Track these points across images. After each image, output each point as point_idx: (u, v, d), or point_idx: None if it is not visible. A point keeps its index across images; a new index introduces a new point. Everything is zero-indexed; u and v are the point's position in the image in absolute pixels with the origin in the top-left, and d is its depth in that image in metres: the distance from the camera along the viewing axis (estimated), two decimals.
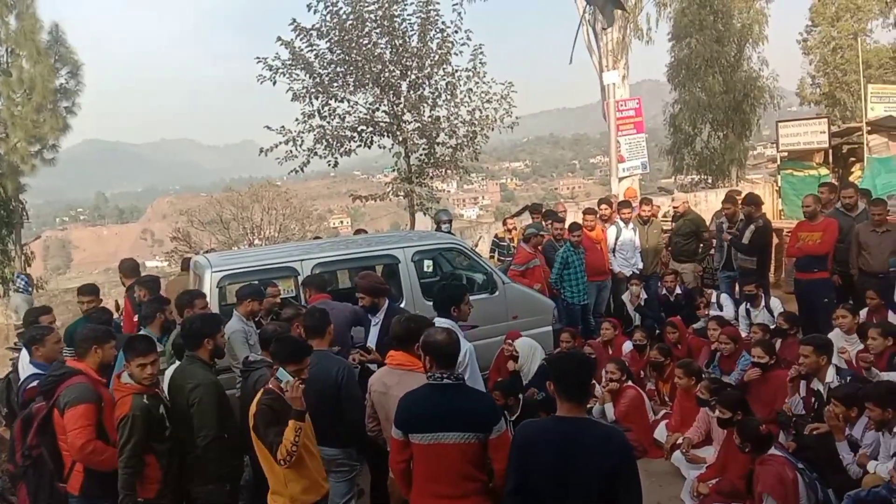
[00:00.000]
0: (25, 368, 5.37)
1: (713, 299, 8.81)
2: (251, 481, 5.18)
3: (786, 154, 15.46)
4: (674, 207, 10.44)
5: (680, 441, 6.04)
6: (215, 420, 4.39)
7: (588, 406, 7.06)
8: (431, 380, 3.63)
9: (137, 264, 7.57)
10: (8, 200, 19.00)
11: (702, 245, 10.08)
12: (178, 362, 4.97)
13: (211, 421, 4.36)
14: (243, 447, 4.60)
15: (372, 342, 5.60)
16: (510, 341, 7.20)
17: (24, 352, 5.49)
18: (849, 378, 5.56)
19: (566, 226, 9.59)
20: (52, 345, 5.30)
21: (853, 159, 15.87)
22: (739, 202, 9.13)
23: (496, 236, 11.66)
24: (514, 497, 3.20)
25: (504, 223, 11.56)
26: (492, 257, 10.80)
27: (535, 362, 7.01)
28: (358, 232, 11.19)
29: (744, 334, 7.54)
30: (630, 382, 6.79)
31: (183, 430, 4.47)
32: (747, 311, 8.10)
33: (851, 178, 15.31)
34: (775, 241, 9.94)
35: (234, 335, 5.72)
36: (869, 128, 14.70)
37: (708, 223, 10.45)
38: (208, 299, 6.29)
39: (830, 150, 14.86)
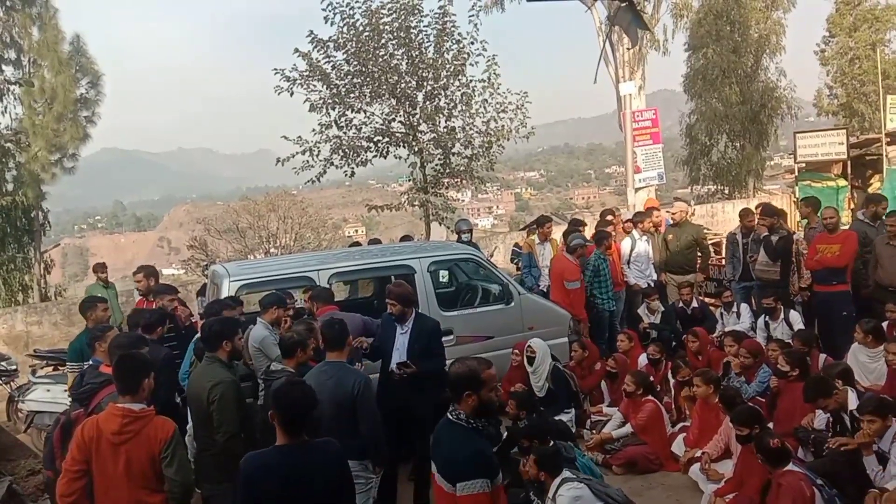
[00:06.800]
0: None
1: (734, 308, 8.75)
2: None
3: (803, 165, 15.33)
4: (671, 216, 10.38)
5: (698, 455, 6.01)
6: (235, 416, 4.50)
7: (606, 419, 7.04)
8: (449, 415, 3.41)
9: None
10: (29, 209, 19.26)
11: (700, 255, 10.02)
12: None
13: (231, 417, 4.48)
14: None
15: (400, 350, 5.62)
16: (517, 352, 7.21)
17: None
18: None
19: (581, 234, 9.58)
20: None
21: (872, 171, 15.73)
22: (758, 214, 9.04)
23: (516, 245, 11.68)
24: None
25: (529, 233, 11.52)
26: (517, 267, 10.80)
27: (547, 364, 7.02)
28: (373, 242, 11.22)
29: None
30: (649, 396, 6.75)
31: (203, 428, 4.58)
32: (766, 324, 8.04)
33: (870, 190, 15.17)
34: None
35: (265, 340, 5.81)
36: (888, 139, 14.57)
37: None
38: None
39: (849, 162, 14.74)
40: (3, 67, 19.35)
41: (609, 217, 10.39)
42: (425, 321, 5.83)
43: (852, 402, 5.49)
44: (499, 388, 6.77)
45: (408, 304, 5.68)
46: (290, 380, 3.97)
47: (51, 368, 9.02)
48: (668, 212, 10.49)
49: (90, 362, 5.32)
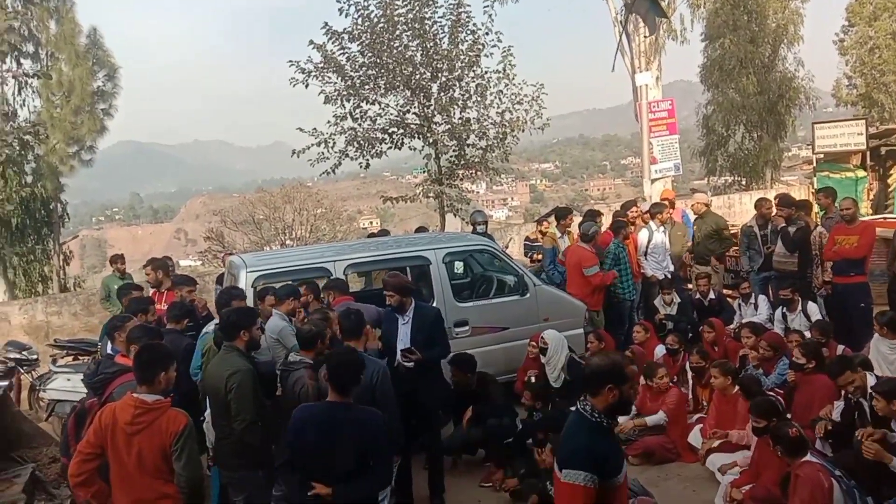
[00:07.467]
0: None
1: (752, 299, 8.70)
2: None
3: (822, 156, 15.21)
4: (691, 207, 10.31)
5: (716, 445, 6.00)
6: (252, 405, 4.52)
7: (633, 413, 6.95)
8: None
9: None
10: (48, 201, 19.49)
11: (722, 245, 9.95)
12: None
13: (248, 405, 4.50)
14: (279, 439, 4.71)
15: (403, 340, 5.64)
16: (534, 343, 7.18)
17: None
18: None
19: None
20: None
21: (891, 161, 15.57)
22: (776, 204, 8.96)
23: (527, 238, 11.66)
24: (285, 468, 3.94)
25: (538, 224, 11.52)
26: (533, 260, 10.78)
27: (563, 355, 6.96)
28: (382, 232, 11.27)
29: None
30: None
31: (221, 417, 4.61)
32: (783, 315, 7.99)
33: (890, 181, 15.03)
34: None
35: (283, 330, 5.88)
36: None
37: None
38: None
39: (868, 152, 14.59)
40: (22, 60, 19.55)
41: (633, 209, 10.30)
42: (426, 310, 5.85)
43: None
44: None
45: (405, 294, 5.69)
46: (342, 348, 4.52)
47: (71, 358, 9.15)
48: (685, 203, 10.43)
49: (109, 351, 5.40)
